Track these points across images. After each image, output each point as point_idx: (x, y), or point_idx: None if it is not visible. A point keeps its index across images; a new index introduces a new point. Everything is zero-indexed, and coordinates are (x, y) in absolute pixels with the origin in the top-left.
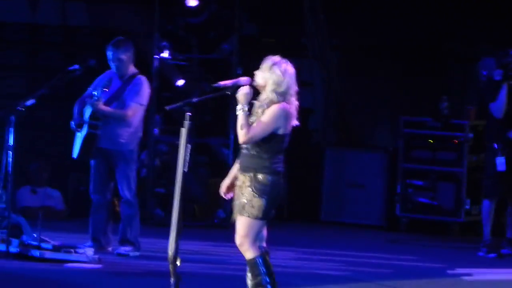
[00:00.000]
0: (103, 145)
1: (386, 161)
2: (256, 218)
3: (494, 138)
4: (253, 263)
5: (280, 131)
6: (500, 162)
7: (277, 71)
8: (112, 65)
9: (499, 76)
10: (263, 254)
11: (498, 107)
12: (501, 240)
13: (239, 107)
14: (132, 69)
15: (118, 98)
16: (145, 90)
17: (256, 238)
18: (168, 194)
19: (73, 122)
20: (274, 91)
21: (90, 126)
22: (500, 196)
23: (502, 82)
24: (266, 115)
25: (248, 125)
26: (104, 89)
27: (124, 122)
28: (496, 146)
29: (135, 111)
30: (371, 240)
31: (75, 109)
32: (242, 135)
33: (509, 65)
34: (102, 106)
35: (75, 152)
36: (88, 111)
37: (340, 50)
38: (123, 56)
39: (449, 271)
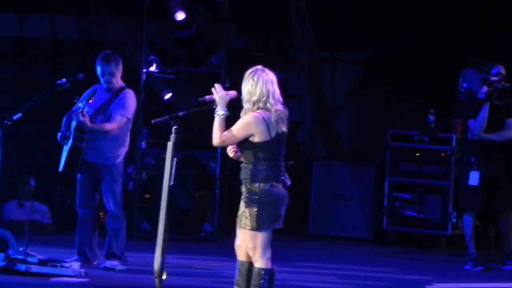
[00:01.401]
0: (89, 158)
1: (373, 174)
2: (252, 229)
3: (470, 151)
4: (259, 273)
5: (256, 139)
6: (474, 176)
7: (250, 80)
8: (103, 79)
9: (483, 95)
10: (272, 271)
11: (479, 126)
12: (501, 256)
13: (216, 109)
14: (119, 82)
15: (104, 111)
16: (132, 103)
17: (264, 249)
18: (155, 207)
19: (59, 134)
20: (248, 100)
21: (74, 139)
22: (478, 209)
23: (485, 101)
24: (237, 123)
25: (222, 129)
26: (89, 101)
27: (110, 135)
28: (473, 159)
29: (120, 124)
30: (359, 253)
31: (63, 122)
32: (214, 138)
33: (494, 84)
34: (87, 122)
35: (60, 166)
36: (73, 124)
37: (328, 63)
38: (115, 70)
39: (436, 285)
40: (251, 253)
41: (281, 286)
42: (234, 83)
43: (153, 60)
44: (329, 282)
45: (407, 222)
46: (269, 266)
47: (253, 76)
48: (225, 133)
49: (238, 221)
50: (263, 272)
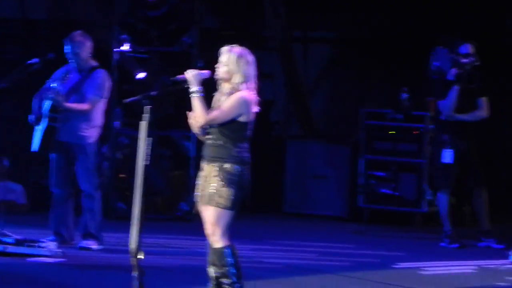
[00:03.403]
0: (63, 138)
1: (348, 152)
2: (225, 207)
3: (443, 130)
4: (221, 253)
5: (242, 119)
6: (447, 154)
7: (242, 63)
8: (70, 59)
9: (452, 77)
10: (232, 246)
11: (448, 106)
12: (477, 233)
13: (192, 89)
14: (91, 62)
15: (77, 91)
16: (105, 83)
17: (226, 228)
18: (130, 187)
19: (32, 116)
20: (243, 83)
21: (49, 119)
22: (452, 186)
23: (455, 83)
24: (229, 102)
25: (205, 108)
26: (62, 82)
27: (84, 115)
28: (446, 137)
29: (95, 104)
30: (334, 231)
31: (34, 103)
32: (202, 116)
33: (465, 66)
34: (62, 101)
35: (35, 145)
36: (47, 104)
37: (301, 42)
38: (79, 50)
39: (411, 262)
40: (209, 231)
41: (258, 265)
42: (207, 62)
43: (125, 39)
44: (305, 260)
45: (383, 200)
46: (227, 243)
47: (244, 58)
48: (215, 111)
49: (206, 198)
50: (224, 250)
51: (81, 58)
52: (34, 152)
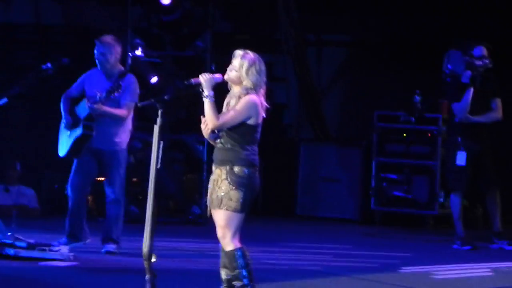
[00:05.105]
0: (96, 145)
1: (361, 155)
2: (235, 210)
3: (456, 132)
4: (232, 255)
5: (251, 121)
6: (461, 156)
7: (253, 71)
8: (97, 61)
9: (467, 79)
10: (243, 248)
11: (462, 109)
12: (489, 234)
13: (204, 93)
14: (119, 67)
15: (111, 97)
16: (137, 88)
17: (237, 231)
18: (143, 191)
19: (65, 122)
20: (253, 89)
21: (84, 127)
22: (465, 188)
23: (469, 85)
24: (240, 105)
25: (216, 112)
26: (110, 95)
27: (118, 121)
28: (459, 140)
29: (131, 110)
30: (346, 234)
31: (63, 107)
32: (212, 121)
33: (479, 68)
34: (102, 106)
35: (63, 151)
36: (83, 111)
37: (314, 45)
38: (108, 54)
39: (424, 265)
40: (220, 234)
41: (270, 268)
42: (220, 66)
43: (138, 44)
44: (317, 263)
45: (395, 202)
46: (239, 245)
47: (255, 66)
48: (225, 115)
49: (215, 201)
50: (235, 253)
51: (109, 62)
52: (63, 157)
